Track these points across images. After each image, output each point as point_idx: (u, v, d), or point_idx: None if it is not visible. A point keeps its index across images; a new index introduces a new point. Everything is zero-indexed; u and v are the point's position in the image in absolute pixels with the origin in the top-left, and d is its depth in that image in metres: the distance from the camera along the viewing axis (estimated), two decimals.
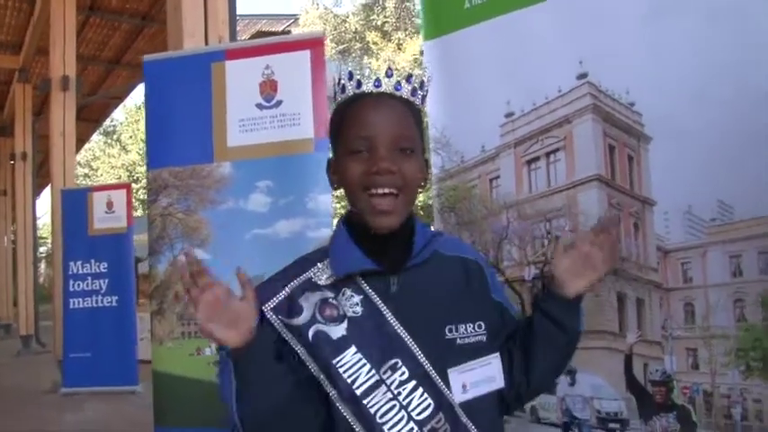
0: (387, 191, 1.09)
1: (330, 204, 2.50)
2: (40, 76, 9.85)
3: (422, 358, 1.10)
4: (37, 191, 12.27)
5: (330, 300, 1.12)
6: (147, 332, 8.40)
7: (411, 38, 16.19)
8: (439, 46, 2.18)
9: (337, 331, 1.10)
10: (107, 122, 19.35)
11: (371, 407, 1.08)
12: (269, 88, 2.63)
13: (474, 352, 1.14)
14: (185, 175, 2.74)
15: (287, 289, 1.14)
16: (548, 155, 1.88)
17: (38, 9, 8.84)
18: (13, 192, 12.70)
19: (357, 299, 1.12)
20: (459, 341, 1.13)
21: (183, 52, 3.08)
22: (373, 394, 1.08)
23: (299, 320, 1.11)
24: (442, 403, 1.10)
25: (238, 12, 3.85)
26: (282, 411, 1.07)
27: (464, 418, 1.10)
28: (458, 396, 1.11)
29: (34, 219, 11.43)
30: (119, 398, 6.51)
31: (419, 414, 1.08)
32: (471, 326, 1.14)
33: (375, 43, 17.31)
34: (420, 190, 1.17)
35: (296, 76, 2.53)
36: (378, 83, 1.14)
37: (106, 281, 6.94)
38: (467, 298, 1.17)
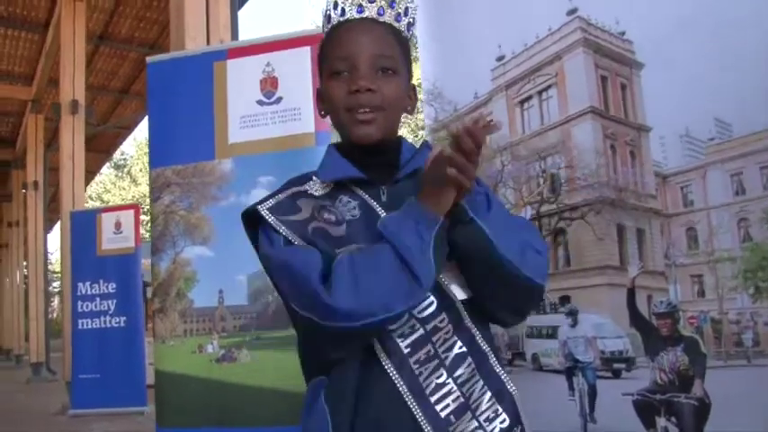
0: (367, 110, 1.09)
1: None
2: (51, 106, 10.04)
3: None
4: (48, 224, 12.38)
5: (328, 206, 1.12)
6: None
7: None
8: (430, 1, 2.18)
9: (337, 231, 1.09)
10: (118, 156, 19.62)
11: None
12: (269, 85, 2.62)
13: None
14: (187, 173, 2.73)
15: (282, 194, 1.14)
16: (540, 93, 1.85)
17: (49, 40, 9.07)
18: (24, 222, 12.84)
19: (354, 203, 1.12)
20: None
21: (185, 52, 3.07)
22: None
23: (298, 217, 1.10)
24: (445, 303, 1.08)
25: None
26: None
27: (467, 321, 1.08)
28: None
29: (45, 246, 11.50)
30: (127, 418, 6.43)
31: (421, 312, 1.06)
32: None
33: None
34: (405, 113, 1.17)
35: (296, 72, 2.51)
36: (360, 9, 1.14)
37: (114, 301, 6.90)
38: None
